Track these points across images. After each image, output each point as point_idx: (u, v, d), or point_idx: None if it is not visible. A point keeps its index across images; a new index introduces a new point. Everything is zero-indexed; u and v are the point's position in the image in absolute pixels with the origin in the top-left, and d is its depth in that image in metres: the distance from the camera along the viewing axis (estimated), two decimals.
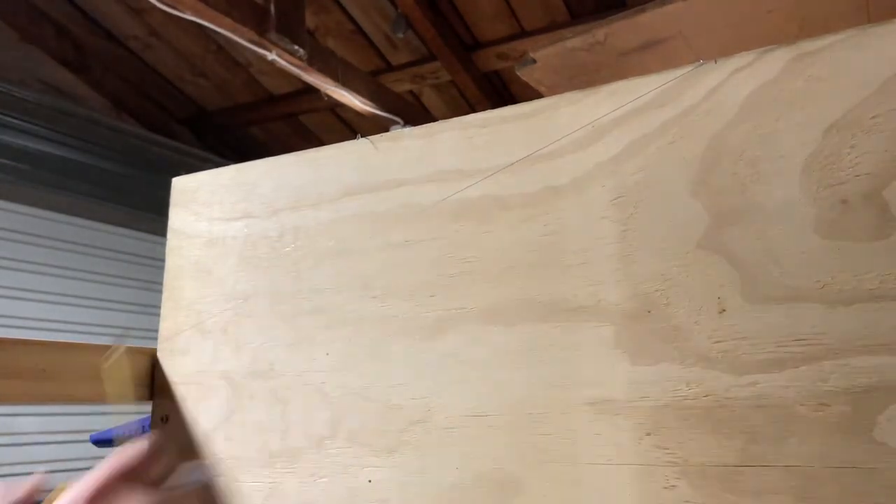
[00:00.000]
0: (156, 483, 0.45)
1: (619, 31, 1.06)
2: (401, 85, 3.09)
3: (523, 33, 2.77)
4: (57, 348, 0.55)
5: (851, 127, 0.41)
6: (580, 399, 0.46)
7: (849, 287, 0.40)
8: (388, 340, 0.53)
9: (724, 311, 0.43)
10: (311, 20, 2.61)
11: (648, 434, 0.43)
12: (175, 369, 0.63)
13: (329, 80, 2.33)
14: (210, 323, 0.62)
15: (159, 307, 0.66)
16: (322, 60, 2.28)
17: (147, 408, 0.64)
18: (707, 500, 0.41)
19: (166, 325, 0.65)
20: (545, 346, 0.47)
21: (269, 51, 2.08)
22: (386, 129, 2.66)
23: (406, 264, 0.54)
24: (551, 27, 2.69)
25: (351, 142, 0.59)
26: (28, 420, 2.52)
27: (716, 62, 0.46)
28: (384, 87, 2.72)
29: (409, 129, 0.57)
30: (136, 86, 3.33)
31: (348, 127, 3.52)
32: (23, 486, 0.47)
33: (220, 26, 1.96)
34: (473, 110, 3.00)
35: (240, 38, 2.03)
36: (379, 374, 0.53)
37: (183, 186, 0.68)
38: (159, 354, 0.64)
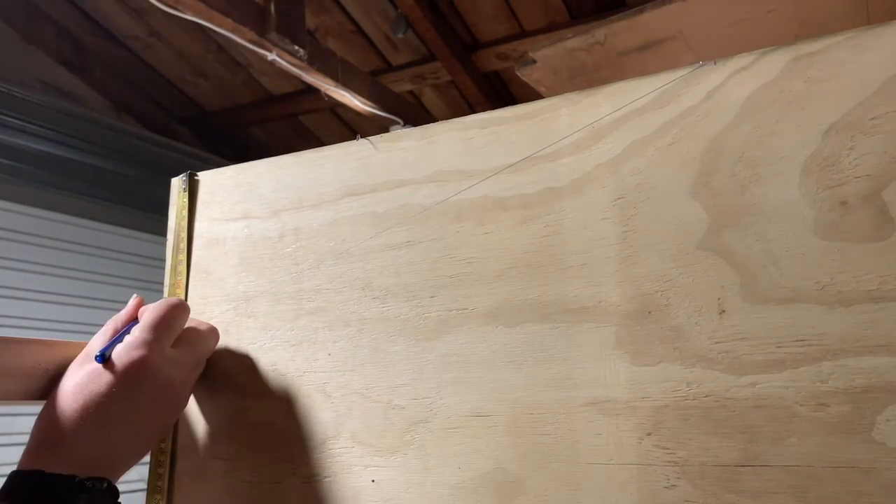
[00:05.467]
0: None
1: (619, 31, 1.07)
2: (401, 85, 3.08)
3: (523, 33, 2.77)
4: (57, 348, 0.55)
5: (851, 128, 0.41)
6: (581, 399, 0.46)
7: (848, 288, 0.40)
8: (390, 341, 0.53)
9: (723, 311, 0.43)
10: (311, 20, 2.61)
11: (649, 434, 0.44)
12: None
13: (329, 80, 2.33)
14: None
15: None
16: (322, 60, 2.28)
17: None
18: (707, 499, 0.41)
19: None
20: (546, 347, 0.48)
21: (269, 51, 2.08)
22: (386, 129, 2.66)
23: (406, 265, 0.54)
24: (551, 27, 2.68)
25: (351, 142, 0.59)
26: (28, 420, 2.52)
27: (716, 63, 0.46)
28: (384, 87, 2.72)
29: (408, 130, 0.57)
30: (136, 86, 3.33)
31: (348, 127, 3.52)
32: (126, 311, 0.57)
33: (220, 26, 1.96)
34: (473, 110, 3.01)
35: (240, 38, 2.03)
36: (380, 374, 0.53)
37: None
38: None
